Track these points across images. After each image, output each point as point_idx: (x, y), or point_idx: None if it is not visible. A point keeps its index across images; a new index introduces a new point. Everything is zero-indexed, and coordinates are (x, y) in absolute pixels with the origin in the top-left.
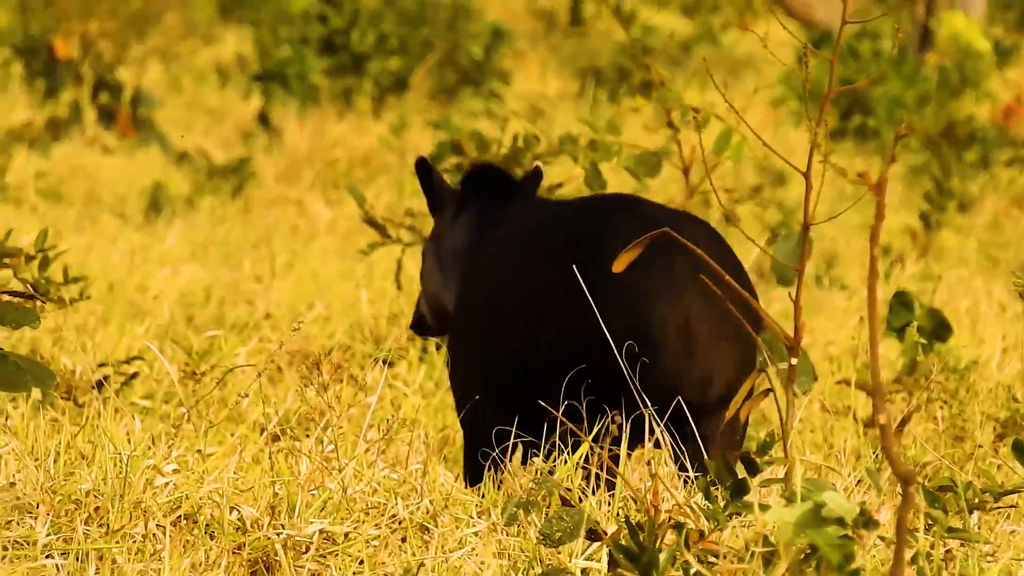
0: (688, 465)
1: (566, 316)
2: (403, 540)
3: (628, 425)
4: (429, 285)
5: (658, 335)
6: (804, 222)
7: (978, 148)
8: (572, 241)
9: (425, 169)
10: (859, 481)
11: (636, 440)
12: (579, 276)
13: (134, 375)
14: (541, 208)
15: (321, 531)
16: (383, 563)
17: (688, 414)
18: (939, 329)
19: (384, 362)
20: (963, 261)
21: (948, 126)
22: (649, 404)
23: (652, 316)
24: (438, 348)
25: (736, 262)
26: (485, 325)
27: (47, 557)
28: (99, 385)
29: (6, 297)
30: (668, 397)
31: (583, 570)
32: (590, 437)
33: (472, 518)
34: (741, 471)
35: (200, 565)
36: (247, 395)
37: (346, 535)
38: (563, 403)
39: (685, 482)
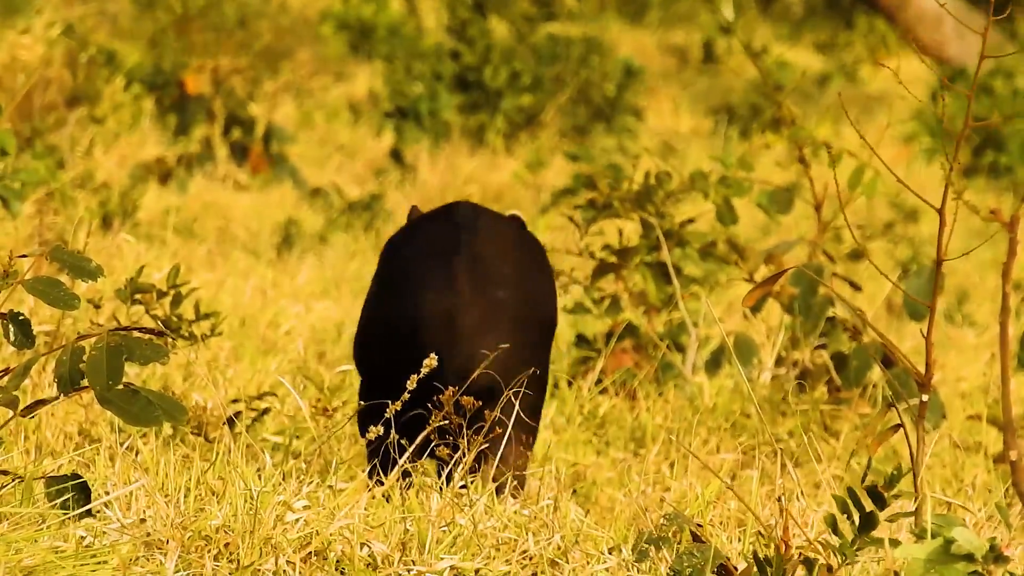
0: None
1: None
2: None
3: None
4: None
5: (422, 324)
6: (937, 258)
7: None
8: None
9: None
10: (989, 517)
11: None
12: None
13: (265, 411)
14: None
15: (452, 567)
16: None
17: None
18: None
19: (512, 396)
20: None
21: None
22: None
23: (420, 307)
24: (570, 384)
25: (542, 261)
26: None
27: None
28: (230, 421)
29: (137, 333)
30: (430, 384)
31: None
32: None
33: (603, 554)
34: (869, 504)
35: None
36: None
37: (476, 571)
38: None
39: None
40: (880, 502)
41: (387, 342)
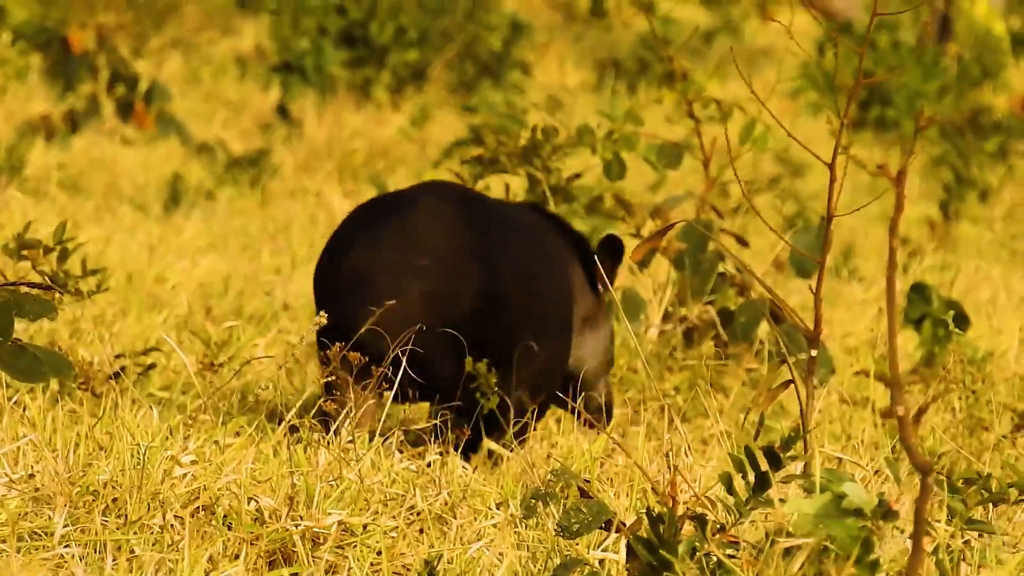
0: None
1: None
2: (421, 531)
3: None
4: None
5: (339, 282)
6: (828, 213)
7: (997, 138)
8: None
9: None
10: (877, 472)
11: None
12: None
13: (152, 366)
14: None
15: (339, 522)
16: (401, 554)
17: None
18: (957, 320)
19: (401, 352)
20: (981, 252)
21: (967, 116)
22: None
23: (338, 268)
24: None
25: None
26: None
27: (65, 548)
28: (117, 376)
29: (24, 289)
30: (344, 338)
31: (601, 561)
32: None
33: (490, 509)
34: (764, 464)
35: (218, 556)
36: (268, 386)
37: (364, 526)
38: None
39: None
40: (775, 462)
41: (317, 295)
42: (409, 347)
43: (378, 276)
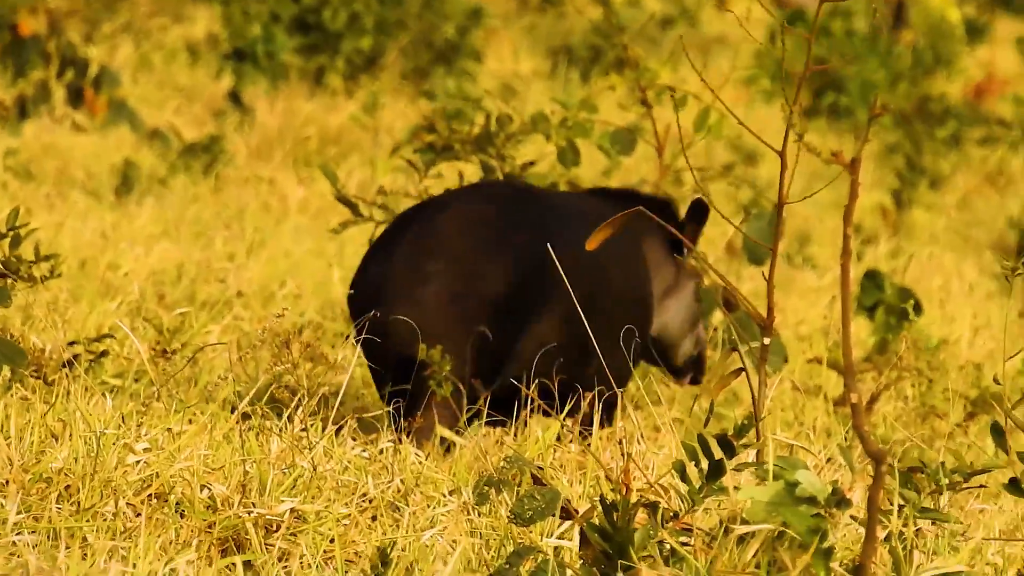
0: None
1: None
2: (374, 519)
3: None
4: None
5: (364, 293)
6: (779, 200)
7: (950, 126)
8: None
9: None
10: (830, 460)
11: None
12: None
13: (105, 353)
14: None
15: (292, 510)
16: (353, 541)
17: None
18: (910, 307)
19: (355, 341)
20: (934, 239)
21: (920, 104)
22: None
23: (362, 280)
24: None
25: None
26: None
27: (17, 535)
28: (70, 363)
29: None
30: (379, 348)
31: (554, 549)
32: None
33: (443, 496)
34: (718, 452)
35: (171, 543)
36: (226, 376)
37: (317, 514)
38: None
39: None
40: (729, 450)
41: (349, 306)
42: (436, 353)
43: (389, 285)
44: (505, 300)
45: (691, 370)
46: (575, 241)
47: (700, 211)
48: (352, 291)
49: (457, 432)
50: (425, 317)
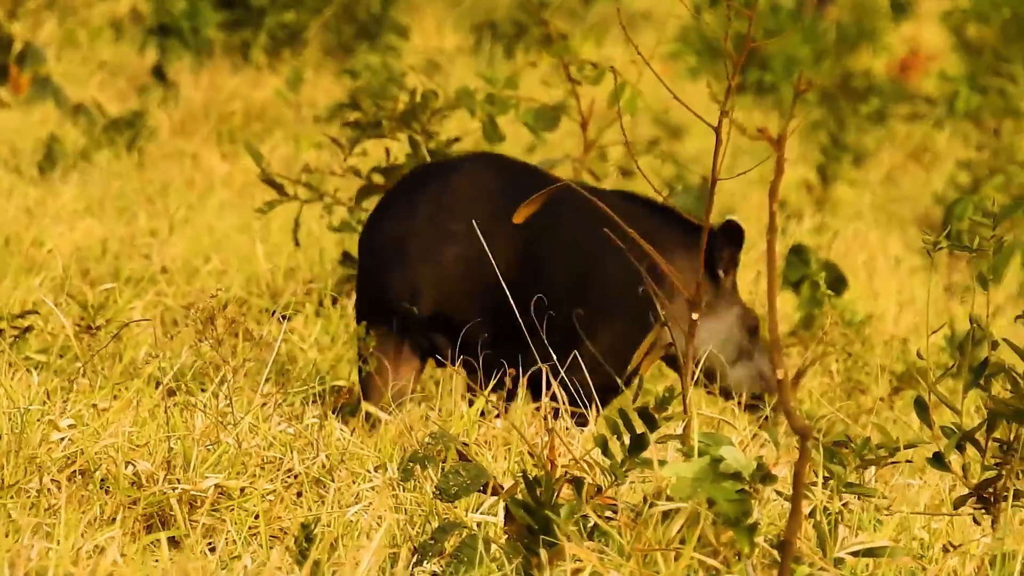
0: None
1: None
2: (299, 495)
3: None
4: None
5: (376, 249)
6: (712, 176)
7: (874, 102)
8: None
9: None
10: (755, 436)
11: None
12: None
13: (29, 329)
14: None
15: (216, 486)
16: (278, 517)
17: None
18: (835, 283)
19: (280, 316)
20: (859, 215)
21: (844, 80)
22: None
23: (375, 235)
24: (334, 302)
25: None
26: None
27: None
28: None
29: None
30: (382, 305)
31: (479, 524)
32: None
33: (368, 472)
34: (640, 426)
35: (95, 520)
36: (152, 353)
37: (241, 490)
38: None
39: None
40: (651, 423)
41: (359, 263)
42: (446, 311)
43: (411, 242)
44: (514, 270)
45: (741, 395)
46: (577, 224)
47: (735, 234)
48: (364, 244)
49: (499, 412)
50: (443, 276)
